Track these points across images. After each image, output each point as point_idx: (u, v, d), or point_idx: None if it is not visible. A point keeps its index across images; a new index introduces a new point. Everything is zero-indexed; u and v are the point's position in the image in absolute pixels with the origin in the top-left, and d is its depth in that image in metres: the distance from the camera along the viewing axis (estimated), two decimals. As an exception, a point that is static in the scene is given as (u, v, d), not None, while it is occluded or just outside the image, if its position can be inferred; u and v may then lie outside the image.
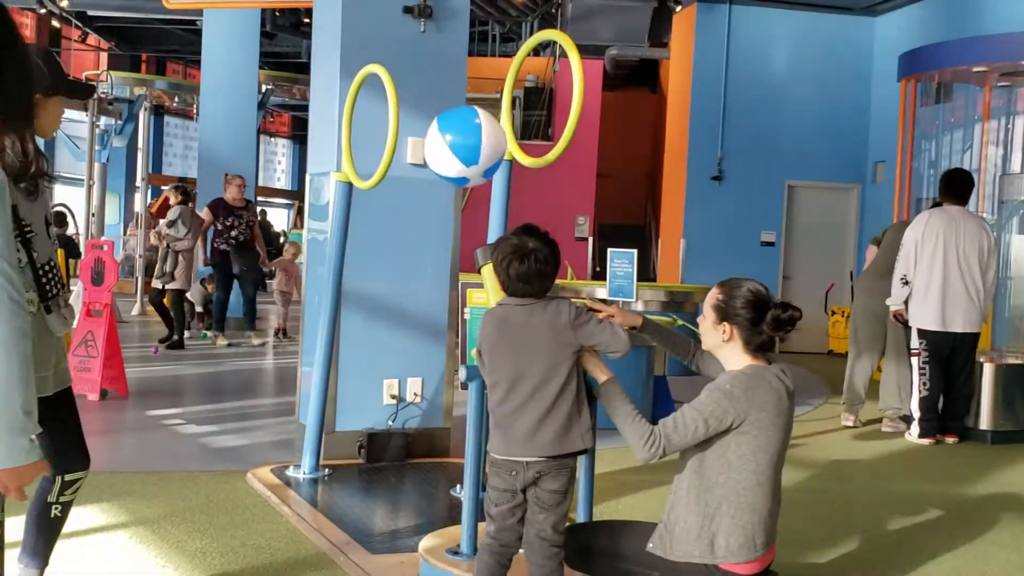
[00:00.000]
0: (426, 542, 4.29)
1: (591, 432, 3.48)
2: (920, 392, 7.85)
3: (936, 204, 8.20)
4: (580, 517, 4.01)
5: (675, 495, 3.41)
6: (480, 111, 4.23)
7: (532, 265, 3.42)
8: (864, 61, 14.62)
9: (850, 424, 8.42)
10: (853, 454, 7.45)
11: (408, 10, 6.38)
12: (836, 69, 14.56)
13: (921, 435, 7.82)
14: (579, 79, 3.98)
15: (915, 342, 7.93)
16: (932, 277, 7.74)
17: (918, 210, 11.32)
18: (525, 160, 4.44)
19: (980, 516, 5.79)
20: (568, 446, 3.41)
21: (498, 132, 4.20)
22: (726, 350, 3.43)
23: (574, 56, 4.07)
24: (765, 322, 3.32)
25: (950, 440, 7.85)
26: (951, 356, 7.78)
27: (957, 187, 7.96)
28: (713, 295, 3.44)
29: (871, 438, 8.07)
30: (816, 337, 13.69)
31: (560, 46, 14.84)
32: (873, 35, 14.65)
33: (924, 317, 7.80)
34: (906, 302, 7.91)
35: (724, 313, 3.40)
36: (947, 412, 7.90)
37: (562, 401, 3.40)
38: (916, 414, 7.89)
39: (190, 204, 12.32)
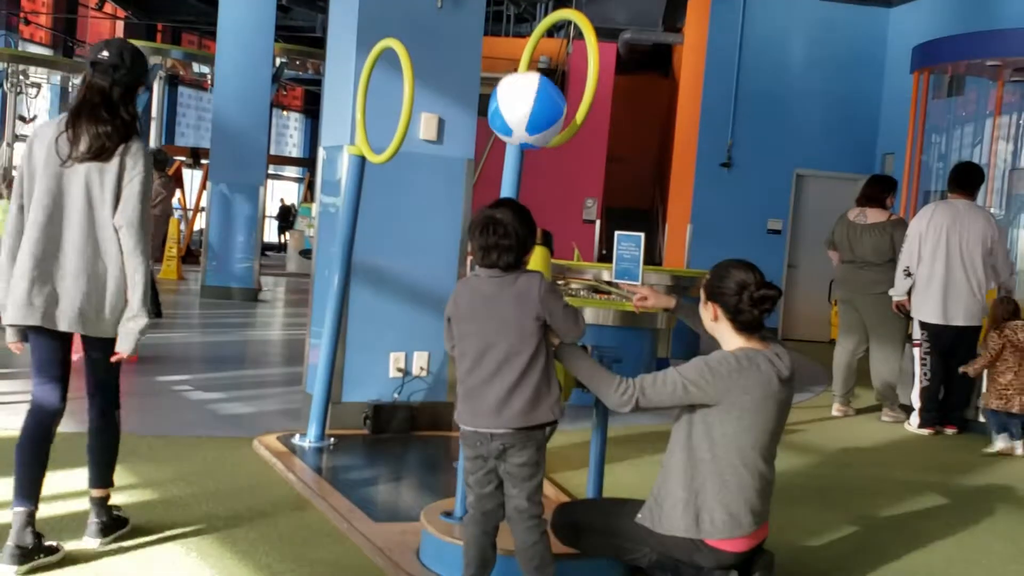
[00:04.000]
0: (427, 511, 4.36)
1: (559, 404, 3.49)
2: (921, 383, 7.90)
3: (944, 197, 8.25)
4: (590, 493, 4.08)
5: (665, 469, 3.48)
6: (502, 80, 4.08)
7: (490, 237, 3.44)
8: (877, 52, 14.61)
9: (837, 414, 8.47)
10: (853, 442, 7.50)
11: (425, -13, 6.43)
12: (849, 59, 14.55)
13: (921, 425, 7.87)
14: (594, 60, 4.01)
15: (917, 333, 7.98)
16: (934, 270, 7.78)
17: (926, 202, 11.36)
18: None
19: (977, 506, 5.85)
20: (536, 418, 3.44)
21: (510, 91, 3.97)
22: (719, 330, 3.51)
23: (590, 37, 4.09)
24: (743, 300, 3.39)
25: (950, 431, 7.90)
26: (952, 349, 7.83)
27: (965, 180, 7.99)
28: (705, 277, 3.54)
29: (871, 427, 8.12)
30: (820, 325, 13.74)
31: (574, 28, 14.74)
32: (887, 26, 14.63)
33: (925, 310, 7.84)
34: (909, 293, 7.95)
35: (709, 292, 3.49)
36: (947, 403, 7.95)
37: (530, 374, 3.42)
38: (916, 404, 7.93)
39: (168, 172, 12.04)
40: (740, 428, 3.35)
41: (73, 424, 4.73)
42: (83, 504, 4.35)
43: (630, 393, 3.38)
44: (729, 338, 3.48)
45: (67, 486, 4.84)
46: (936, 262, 7.76)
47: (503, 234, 3.44)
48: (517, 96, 3.93)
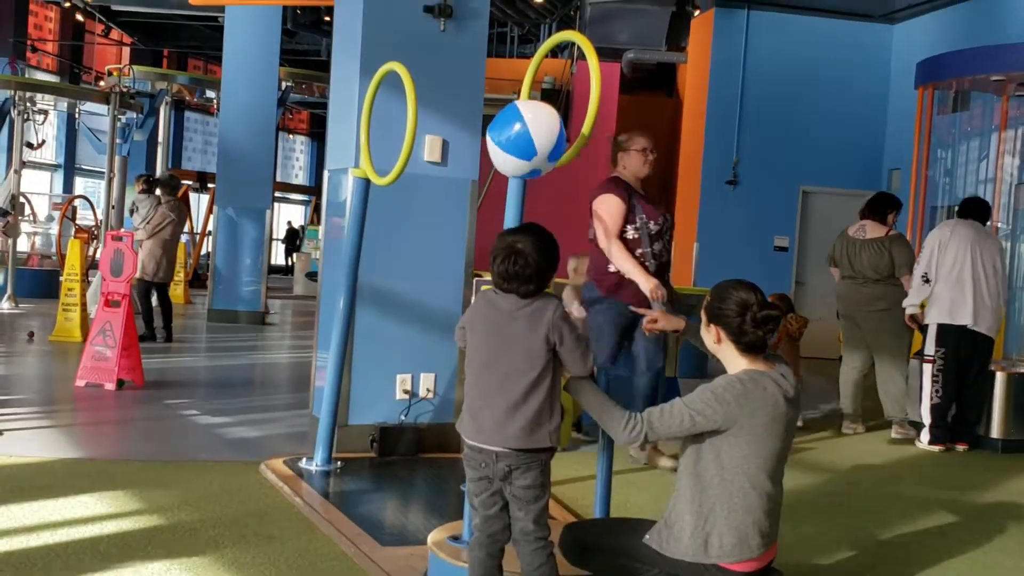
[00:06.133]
0: (435, 535, 4.33)
1: (558, 432, 3.48)
2: (932, 399, 7.86)
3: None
4: (598, 513, 4.05)
5: (677, 493, 3.46)
6: (520, 103, 4.09)
7: (511, 267, 3.42)
8: (882, 68, 14.62)
9: (847, 432, 8.43)
10: (862, 459, 7.47)
11: (428, 9, 6.44)
12: (853, 76, 14.55)
13: (931, 442, 7.83)
14: (596, 80, 4.01)
15: (930, 348, 7.92)
16: (963, 276, 7.74)
17: (932, 218, 11.34)
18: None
19: (989, 524, 5.80)
20: (535, 441, 3.41)
21: (544, 116, 4.00)
22: (723, 352, 3.48)
23: (592, 57, 4.09)
24: (745, 322, 3.37)
25: (961, 448, 7.86)
26: (969, 360, 7.79)
27: (975, 210, 8.03)
28: (706, 298, 3.51)
29: (881, 444, 8.08)
30: (829, 343, 13.67)
31: (578, 49, 14.76)
32: (891, 42, 14.64)
33: (954, 312, 7.74)
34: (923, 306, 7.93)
35: (711, 315, 3.46)
36: (958, 419, 7.91)
37: (533, 396, 3.40)
38: (927, 421, 7.89)
39: (162, 194, 11.95)
40: (749, 451, 3.33)
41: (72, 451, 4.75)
42: (87, 532, 4.33)
43: (639, 430, 3.36)
44: (733, 360, 3.46)
45: (59, 515, 4.82)
46: (964, 268, 7.72)
47: (523, 265, 3.42)
48: (501, 163, 4.02)
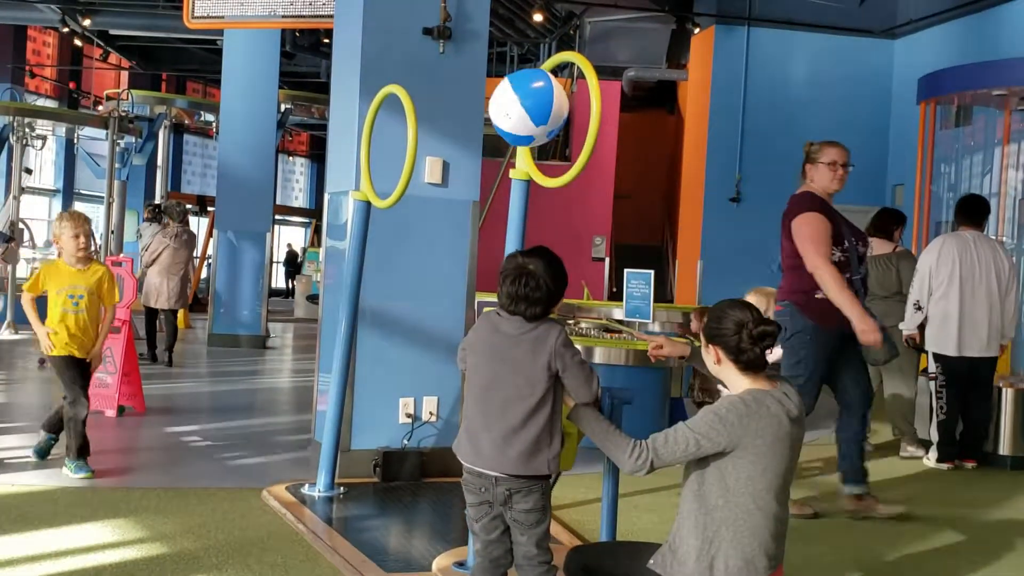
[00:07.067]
0: (440, 561, 4.29)
1: (556, 460, 3.44)
2: (937, 416, 7.79)
3: (954, 228, 8.20)
4: (603, 536, 4.01)
5: (680, 516, 3.41)
6: (548, 73, 4.13)
7: (521, 288, 3.40)
8: (883, 84, 14.61)
9: None
10: (871, 478, 7.39)
11: (428, 31, 6.42)
12: (855, 92, 14.54)
13: (939, 459, 7.76)
14: (596, 100, 3.97)
15: (932, 366, 7.89)
16: (949, 302, 7.69)
17: (937, 234, 11.28)
18: (543, 180, 4.44)
19: (998, 541, 5.74)
20: (533, 468, 3.39)
21: (564, 96, 4.06)
22: (724, 372, 3.44)
23: (592, 77, 4.06)
24: (743, 339, 3.33)
25: (969, 465, 7.78)
26: (968, 381, 7.73)
27: (972, 212, 7.94)
28: (703, 320, 3.48)
29: (889, 462, 8.00)
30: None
31: (577, 69, 14.79)
32: (892, 58, 14.64)
33: (940, 342, 7.75)
34: (921, 327, 7.87)
35: (709, 336, 3.43)
36: (966, 437, 7.85)
37: (533, 422, 3.37)
38: (934, 438, 7.83)
39: (169, 224, 12.02)
40: (753, 472, 3.28)
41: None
42: (89, 561, 4.28)
43: (644, 458, 3.32)
44: (735, 380, 3.42)
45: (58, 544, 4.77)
46: (950, 294, 7.67)
47: (534, 287, 3.40)
48: (507, 117, 3.95)
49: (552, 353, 3.37)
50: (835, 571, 4.98)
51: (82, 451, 6.11)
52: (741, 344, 3.35)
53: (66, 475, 6.03)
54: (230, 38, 14.37)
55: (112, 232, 16.44)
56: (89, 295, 6.28)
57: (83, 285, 6.27)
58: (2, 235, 13.89)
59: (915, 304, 7.84)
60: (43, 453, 6.45)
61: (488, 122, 6.72)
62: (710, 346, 3.43)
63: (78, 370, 6.25)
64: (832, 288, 5.62)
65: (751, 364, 3.37)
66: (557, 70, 16.15)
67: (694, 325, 8.30)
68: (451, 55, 6.49)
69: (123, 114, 17.56)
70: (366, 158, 5.55)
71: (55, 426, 6.40)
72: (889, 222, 8.45)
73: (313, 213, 32.86)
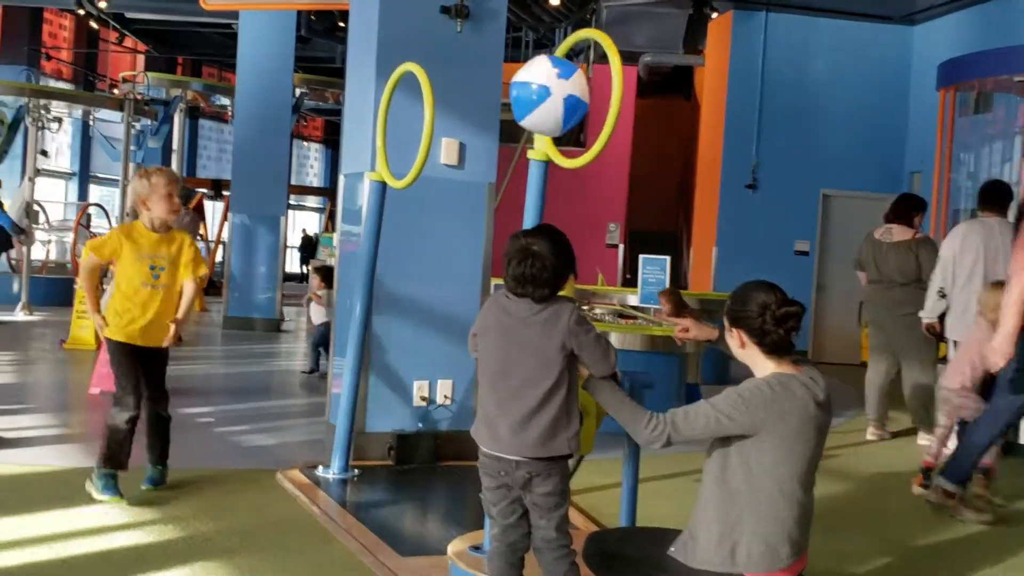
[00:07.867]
0: (454, 545, 4.25)
1: (576, 439, 3.39)
2: (957, 404, 7.72)
3: (974, 215, 8.11)
4: (623, 523, 3.97)
5: (700, 502, 3.36)
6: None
7: (526, 269, 3.33)
8: (902, 70, 14.49)
9: (872, 438, 8.30)
10: (889, 466, 7.34)
11: (445, 10, 6.36)
12: (873, 78, 14.43)
13: (958, 448, 7.69)
14: (618, 79, 3.91)
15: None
16: (971, 290, 7.60)
17: (955, 222, 11.17)
18: (562, 160, 4.37)
19: (1020, 530, 5.69)
20: (553, 449, 3.33)
21: (586, 84, 3.98)
22: (748, 357, 3.37)
23: (613, 57, 3.99)
24: (766, 321, 3.27)
25: (990, 453, 7.71)
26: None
27: (996, 197, 7.82)
28: (727, 303, 3.41)
29: (907, 451, 7.94)
30: (850, 348, 13.54)
31: (594, 52, 14.66)
32: (912, 44, 14.52)
33: (963, 330, 7.65)
34: (941, 317, 7.78)
35: (732, 318, 3.36)
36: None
37: (549, 404, 3.31)
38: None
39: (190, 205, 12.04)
40: (778, 457, 3.22)
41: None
42: (101, 542, 4.25)
43: (660, 429, 3.26)
44: (760, 364, 3.36)
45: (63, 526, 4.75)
46: (974, 282, 7.58)
47: (540, 267, 3.33)
48: (534, 68, 3.85)
49: (566, 332, 3.31)
50: (857, 559, 4.94)
51: (111, 461, 5.17)
52: (765, 326, 3.28)
53: (78, 455, 6.00)
54: (245, 22, 14.34)
55: (128, 215, 16.44)
56: (171, 267, 5.29)
57: (166, 255, 5.27)
58: (16, 227, 13.89)
59: (939, 292, 7.74)
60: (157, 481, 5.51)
61: (504, 105, 6.69)
62: (733, 329, 3.36)
63: (139, 362, 5.26)
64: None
65: (776, 347, 3.31)
66: (572, 55, 16.09)
67: (665, 308, 8.24)
68: (469, 34, 6.43)
69: (139, 96, 17.55)
70: (382, 138, 5.50)
71: (152, 449, 5.52)
72: (909, 208, 8.37)
73: (327, 193, 32.88)
